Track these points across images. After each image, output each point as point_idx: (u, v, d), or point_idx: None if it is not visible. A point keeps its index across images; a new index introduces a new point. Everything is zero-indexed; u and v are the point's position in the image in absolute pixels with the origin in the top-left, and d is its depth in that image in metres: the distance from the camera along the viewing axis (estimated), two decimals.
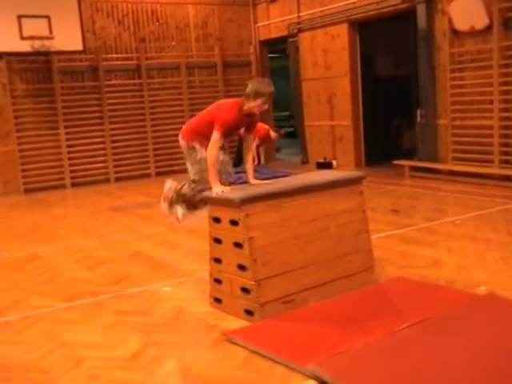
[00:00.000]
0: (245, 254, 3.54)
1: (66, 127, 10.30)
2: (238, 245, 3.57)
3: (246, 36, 12.02)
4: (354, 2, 9.69)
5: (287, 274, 3.67)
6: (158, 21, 11.15)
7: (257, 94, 3.85)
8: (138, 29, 11.00)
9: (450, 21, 8.13)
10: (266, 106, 3.89)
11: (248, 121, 4.02)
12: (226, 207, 3.64)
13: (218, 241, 3.74)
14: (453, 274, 4.26)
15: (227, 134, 4.01)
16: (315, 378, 2.77)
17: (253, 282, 3.52)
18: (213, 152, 3.87)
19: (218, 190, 3.74)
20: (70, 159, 10.40)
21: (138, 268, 4.98)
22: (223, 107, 4.00)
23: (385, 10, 9.18)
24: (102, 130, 10.65)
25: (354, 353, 2.93)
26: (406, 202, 7.08)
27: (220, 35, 11.75)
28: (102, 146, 10.69)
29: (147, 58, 11.02)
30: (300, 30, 10.98)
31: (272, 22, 11.68)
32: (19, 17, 9.27)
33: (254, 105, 3.88)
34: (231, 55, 11.76)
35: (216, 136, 3.88)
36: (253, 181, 4.06)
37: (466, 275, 4.20)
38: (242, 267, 3.58)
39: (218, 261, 3.78)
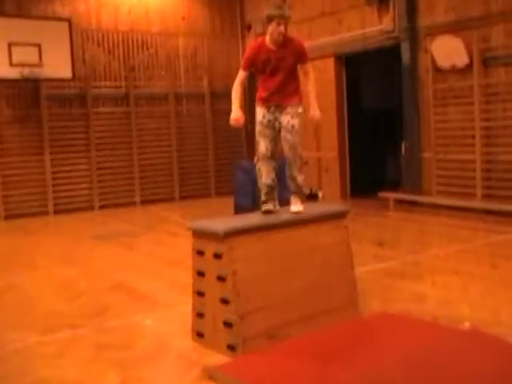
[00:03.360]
0: (228, 288, 3.46)
1: (51, 153, 10.20)
2: (221, 278, 3.50)
3: (234, 67, 12.08)
4: (340, 38, 9.81)
5: (271, 308, 3.60)
6: (147, 50, 11.20)
7: (267, 19, 3.69)
8: (128, 58, 11.02)
9: (433, 58, 8.26)
10: (281, 29, 3.64)
11: (282, 53, 3.75)
12: (210, 240, 3.58)
13: (201, 274, 3.67)
14: (437, 308, 4.21)
15: (259, 69, 3.83)
16: None
17: (235, 317, 3.44)
18: (234, 87, 3.92)
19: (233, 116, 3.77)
20: (54, 185, 10.26)
21: (119, 299, 4.86)
22: None
23: (370, 45, 9.29)
24: (88, 157, 10.57)
25: None
26: (391, 235, 7.06)
27: (209, 66, 11.82)
28: (87, 172, 10.59)
29: (136, 87, 11.03)
30: None
31: None
32: (10, 44, 9.27)
33: (270, 31, 3.71)
34: (219, 86, 11.81)
35: (239, 73, 3.91)
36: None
37: (450, 310, 4.16)
38: (224, 301, 3.50)
39: (200, 294, 3.70)
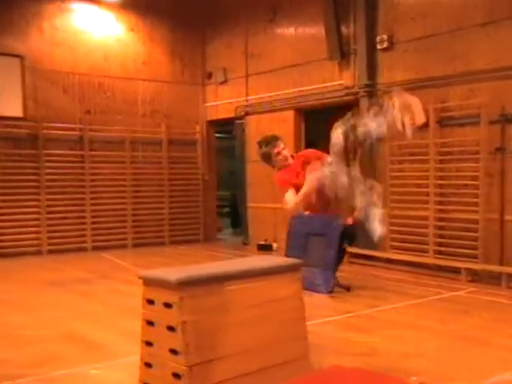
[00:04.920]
0: (177, 338, 3.57)
1: None
2: (171, 328, 3.61)
3: (193, 115, 12.38)
4: (300, 91, 10.25)
5: (222, 359, 3.70)
6: (105, 93, 11.37)
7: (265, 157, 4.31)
8: (84, 100, 11.17)
9: None
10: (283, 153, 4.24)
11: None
12: (162, 288, 3.69)
13: (150, 323, 3.77)
14: (390, 362, 4.38)
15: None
16: None
17: (185, 367, 3.54)
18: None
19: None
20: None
21: (68, 348, 4.86)
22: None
23: (329, 100, 9.74)
24: (38, 200, 10.55)
25: None
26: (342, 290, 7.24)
27: (168, 112, 12.06)
28: (36, 216, 10.55)
29: (91, 130, 11.15)
30: (247, 113, 11.46)
31: (220, 103, 12.14)
32: None
33: (277, 161, 4.39)
34: (177, 133, 12.05)
35: None
36: None
37: (403, 364, 4.33)
38: (174, 351, 3.60)
39: (149, 344, 3.79)
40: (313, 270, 6.74)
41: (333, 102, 9.70)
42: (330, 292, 6.76)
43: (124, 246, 11.31)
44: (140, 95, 11.84)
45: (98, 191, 11.18)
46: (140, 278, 3.92)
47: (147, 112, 11.90)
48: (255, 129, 11.26)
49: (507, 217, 7.50)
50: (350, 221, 6.78)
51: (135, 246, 11.43)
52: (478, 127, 7.74)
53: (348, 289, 6.95)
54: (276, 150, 4.48)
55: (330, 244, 6.88)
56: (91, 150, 11.13)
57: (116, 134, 11.43)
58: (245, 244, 11.51)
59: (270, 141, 4.41)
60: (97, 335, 5.25)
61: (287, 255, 7.39)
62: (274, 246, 10.58)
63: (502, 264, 7.47)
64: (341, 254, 7.10)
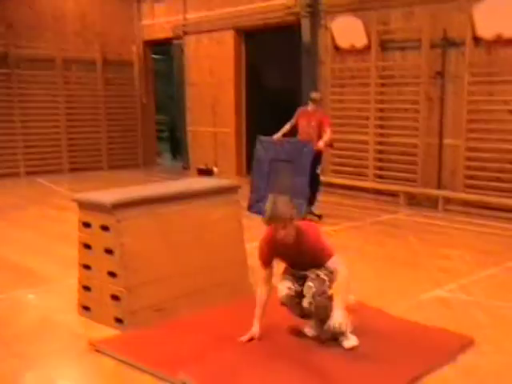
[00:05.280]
0: (115, 261, 3.55)
1: None
2: (108, 251, 3.58)
3: (128, 34, 11.87)
4: (240, 10, 9.96)
5: (159, 281, 3.72)
6: (30, 7, 10.64)
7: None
8: (5, 11, 10.35)
9: (333, 37, 8.61)
10: (281, 234, 3.16)
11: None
12: (97, 212, 3.63)
13: (87, 246, 3.72)
14: None
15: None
16: None
17: (123, 289, 3.54)
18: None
19: None
20: None
21: (1, 275, 4.77)
22: None
23: (271, 20, 9.51)
24: None
25: (223, 362, 3.05)
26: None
27: (101, 30, 11.47)
28: None
29: (17, 47, 10.45)
30: (186, 33, 11.08)
31: (157, 22, 11.67)
32: None
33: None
34: (112, 52, 11.53)
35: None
36: None
37: None
38: (112, 274, 3.58)
39: (87, 267, 3.76)
40: None
41: (274, 23, 9.49)
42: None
43: (60, 171, 11.01)
44: (70, 11, 11.18)
45: (29, 113, 10.67)
46: (74, 200, 3.83)
47: (78, 29, 11.28)
48: (194, 50, 10.95)
49: (446, 141, 7.67)
50: (320, 145, 6.73)
51: (72, 170, 11.14)
52: (419, 51, 7.76)
53: (319, 217, 6.81)
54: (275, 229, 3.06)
55: (301, 171, 6.70)
56: (18, 68, 10.46)
57: (44, 51, 10.75)
58: (185, 168, 11.42)
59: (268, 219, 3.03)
60: (29, 261, 5.16)
61: (251, 184, 7.34)
62: (215, 170, 10.55)
63: (439, 188, 7.70)
64: (316, 182, 6.95)
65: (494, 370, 3.10)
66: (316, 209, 6.99)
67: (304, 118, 7.02)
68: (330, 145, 7.31)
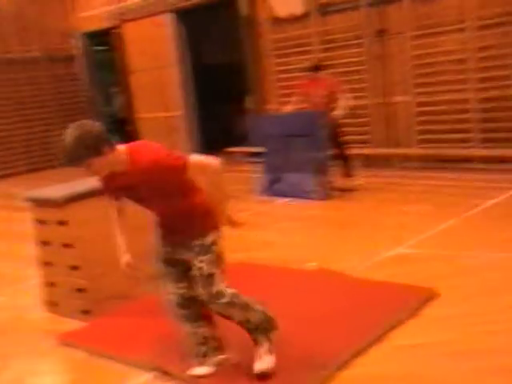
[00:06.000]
0: (75, 254, 3.62)
1: None
2: (67, 245, 3.63)
3: (67, 28, 11.71)
4: None
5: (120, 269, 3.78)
6: None
7: None
8: None
9: (271, 8, 8.66)
10: (92, 172, 2.66)
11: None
12: (52, 208, 3.67)
13: (46, 243, 3.77)
14: (285, 253, 4.65)
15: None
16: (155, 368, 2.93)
17: (86, 281, 3.61)
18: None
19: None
20: None
21: None
22: None
23: None
24: None
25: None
26: (241, 188, 7.38)
27: (40, 27, 11.29)
28: None
29: None
30: (123, 21, 10.98)
31: (94, 14, 11.52)
32: None
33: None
34: (54, 49, 11.41)
35: None
36: None
37: (297, 254, 4.61)
38: (74, 267, 3.65)
39: (48, 264, 3.81)
40: (297, 175, 6.36)
41: (211, 1, 9.47)
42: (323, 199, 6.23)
43: (17, 173, 10.94)
44: (5, 10, 10.96)
45: None
46: (27, 199, 3.87)
47: (16, 29, 11.07)
48: (134, 36, 10.86)
49: (395, 98, 7.82)
50: (338, 114, 6.40)
51: (29, 171, 11.03)
52: (358, 11, 7.86)
53: (351, 190, 6.48)
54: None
55: (318, 145, 6.34)
56: None
57: None
58: None
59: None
60: None
61: (264, 162, 6.97)
62: None
63: (394, 146, 7.85)
64: (343, 155, 6.68)
65: (461, 317, 3.17)
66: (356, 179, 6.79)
67: (309, 89, 6.66)
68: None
